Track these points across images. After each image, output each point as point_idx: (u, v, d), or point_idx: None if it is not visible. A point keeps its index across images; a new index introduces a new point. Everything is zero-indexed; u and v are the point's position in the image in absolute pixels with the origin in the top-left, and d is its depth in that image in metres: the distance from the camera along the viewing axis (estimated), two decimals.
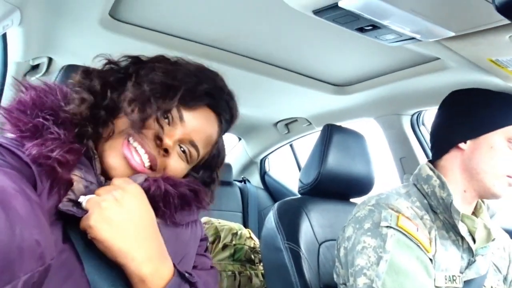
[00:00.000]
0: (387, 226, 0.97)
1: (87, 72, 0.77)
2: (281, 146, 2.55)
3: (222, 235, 1.79)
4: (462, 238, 1.02)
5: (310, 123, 2.16)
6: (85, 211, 0.62)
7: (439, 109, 1.17)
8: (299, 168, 2.62)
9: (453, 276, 0.99)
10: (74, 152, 0.65)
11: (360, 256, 0.97)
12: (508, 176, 1.02)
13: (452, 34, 0.95)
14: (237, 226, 1.90)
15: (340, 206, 1.44)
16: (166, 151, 0.73)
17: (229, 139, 2.85)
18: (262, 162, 2.79)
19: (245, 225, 2.52)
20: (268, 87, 1.73)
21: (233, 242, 1.80)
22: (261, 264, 1.81)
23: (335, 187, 1.43)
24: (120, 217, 0.62)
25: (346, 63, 1.48)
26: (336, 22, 0.94)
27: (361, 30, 0.96)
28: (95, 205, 0.62)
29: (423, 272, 0.94)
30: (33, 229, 0.51)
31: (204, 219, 1.89)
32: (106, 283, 0.62)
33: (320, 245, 1.32)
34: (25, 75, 1.50)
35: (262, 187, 2.83)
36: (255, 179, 2.84)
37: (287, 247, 1.28)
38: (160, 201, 0.71)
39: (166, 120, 0.74)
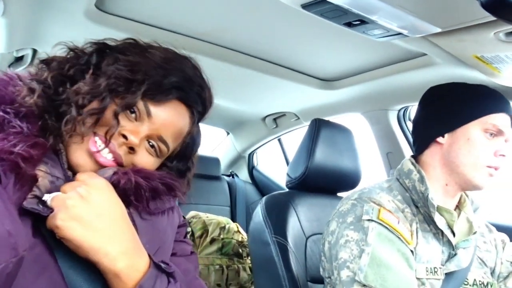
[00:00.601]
0: (368, 220, 0.99)
1: (46, 61, 0.73)
2: (269, 141, 2.56)
3: (210, 229, 1.79)
4: (442, 232, 1.04)
5: (298, 118, 2.17)
6: (51, 210, 0.60)
7: (418, 105, 1.19)
8: (287, 163, 2.63)
9: (434, 268, 1.01)
10: (38, 147, 0.62)
11: (343, 250, 0.99)
12: (488, 167, 1.03)
13: (439, 30, 0.96)
14: (225, 220, 1.90)
15: (328, 200, 1.45)
16: (132, 149, 0.70)
17: (217, 134, 2.84)
18: (250, 156, 2.79)
19: (233, 219, 2.52)
20: (257, 82, 1.73)
21: (221, 236, 1.80)
22: (249, 258, 1.82)
23: (323, 182, 1.44)
24: (88, 214, 0.60)
25: (334, 58, 1.49)
26: (324, 17, 0.94)
27: (349, 25, 0.97)
28: (60, 204, 0.59)
29: (404, 264, 0.96)
30: (4, 219, 0.51)
31: (192, 213, 1.89)
32: (81, 277, 0.61)
33: (307, 238, 1.33)
34: (9, 66, 1.48)
35: (250, 181, 2.83)
36: (243, 174, 2.85)
37: (275, 241, 1.28)
38: (132, 194, 0.68)
39: (133, 115, 0.70)
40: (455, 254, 1.04)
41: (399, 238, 0.97)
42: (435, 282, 1.00)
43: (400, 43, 1.10)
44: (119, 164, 0.70)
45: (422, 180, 1.05)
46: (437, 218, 1.03)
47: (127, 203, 0.69)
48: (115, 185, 0.66)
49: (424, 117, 1.15)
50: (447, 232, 1.03)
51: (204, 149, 2.89)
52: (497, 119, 1.04)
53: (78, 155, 0.68)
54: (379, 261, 0.94)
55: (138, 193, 0.69)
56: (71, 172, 0.68)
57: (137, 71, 0.70)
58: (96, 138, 0.68)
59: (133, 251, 0.63)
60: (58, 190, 0.63)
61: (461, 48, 1.07)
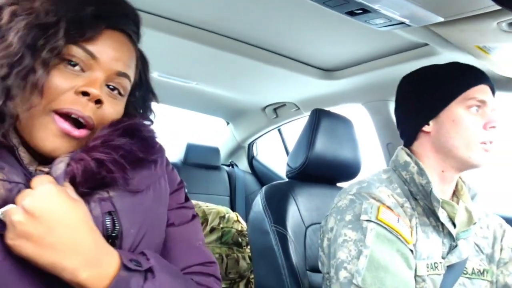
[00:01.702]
0: (367, 220, 0.96)
1: None
2: (269, 131, 2.55)
3: (210, 218, 1.80)
4: (443, 223, 1.02)
5: (299, 108, 2.16)
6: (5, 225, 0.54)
7: (396, 98, 1.16)
8: (287, 153, 2.63)
9: (435, 263, 0.99)
10: None
11: (341, 249, 0.97)
12: (482, 143, 0.99)
13: (441, 19, 0.95)
14: (225, 209, 1.91)
15: (327, 190, 1.46)
16: (98, 101, 0.63)
17: (217, 123, 2.84)
18: (250, 146, 2.79)
19: (233, 208, 2.53)
20: (257, 71, 1.72)
21: (221, 225, 1.81)
22: (248, 247, 1.83)
23: (323, 172, 1.44)
24: (36, 230, 0.54)
25: (335, 47, 1.48)
26: (326, 5, 0.93)
27: (351, 13, 0.96)
28: (8, 220, 0.54)
29: (403, 264, 0.93)
30: None
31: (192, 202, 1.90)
32: (61, 281, 0.57)
33: (307, 228, 1.34)
34: None
35: (249, 171, 2.83)
36: (242, 164, 2.85)
37: (274, 230, 1.29)
38: (100, 172, 0.62)
39: (77, 67, 0.63)
40: (456, 246, 1.02)
41: (398, 238, 0.95)
42: (436, 278, 0.98)
43: (402, 32, 1.10)
44: (92, 127, 0.64)
45: (421, 172, 1.02)
46: (440, 211, 1.00)
47: (103, 185, 0.63)
48: (74, 176, 0.60)
49: (404, 108, 1.12)
50: (449, 224, 1.01)
51: (203, 139, 2.90)
52: (477, 92, 1.01)
53: (50, 141, 0.61)
54: (377, 264, 0.91)
55: (107, 169, 0.62)
56: (33, 168, 0.62)
57: (47, 14, 0.60)
58: (56, 117, 0.61)
59: (95, 259, 0.57)
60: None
61: (463, 38, 1.06)
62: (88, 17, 0.63)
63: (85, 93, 0.62)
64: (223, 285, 1.76)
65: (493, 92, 1.05)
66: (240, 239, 1.84)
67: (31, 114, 0.60)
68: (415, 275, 0.96)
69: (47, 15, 0.60)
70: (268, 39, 1.46)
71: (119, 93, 0.69)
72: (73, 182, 0.61)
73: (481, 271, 1.06)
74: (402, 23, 0.99)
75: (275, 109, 2.32)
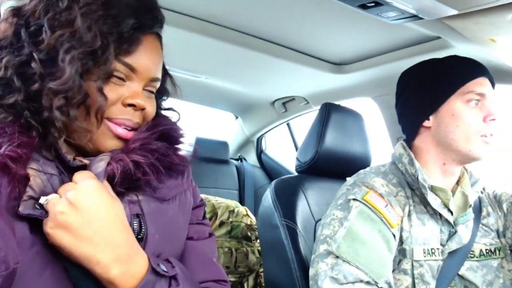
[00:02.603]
0: (353, 199, 1.01)
1: None
2: (278, 125, 2.55)
3: (219, 212, 1.81)
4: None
5: (308, 102, 2.15)
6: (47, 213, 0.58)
7: (396, 93, 1.18)
8: (296, 148, 2.63)
9: (431, 249, 1.02)
10: (25, 145, 0.59)
11: (327, 227, 1.02)
12: (482, 136, 1.01)
13: (455, 12, 0.94)
14: (234, 203, 1.91)
15: (337, 184, 1.44)
16: (143, 109, 0.68)
17: (226, 117, 2.84)
18: (259, 140, 2.78)
19: (242, 203, 2.54)
20: (266, 65, 1.72)
21: (230, 219, 1.82)
22: (258, 241, 1.83)
23: (332, 166, 1.44)
24: (76, 221, 0.57)
25: (345, 41, 1.47)
26: None
27: (363, 7, 0.95)
28: (51, 209, 0.57)
29: (383, 245, 0.97)
30: None
31: (201, 196, 1.90)
32: (84, 273, 0.59)
33: (316, 222, 1.33)
34: None
35: (258, 165, 2.83)
36: (251, 158, 2.85)
37: (284, 224, 1.29)
38: (136, 174, 0.65)
39: (119, 79, 0.66)
40: (455, 232, 1.04)
41: (381, 219, 0.98)
42: (433, 263, 1.01)
43: (414, 25, 1.08)
44: (138, 128, 0.69)
45: (411, 162, 1.06)
46: (431, 198, 1.02)
47: (134, 188, 0.67)
48: (112, 175, 0.63)
49: (404, 104, 1.14)
50: (443, 211, 1.03)
51: (212, 133, 2.90)
52: (475, 85, 1.02)
53: (109, 143, 0.66)
54: (355, 236, 0.95)
55: (143, 171, 0.66)
56: (71, 157, 0.64)
57: (91, 36, 0.61)
58: (110, 124, 0.65)
59: (127, 257, 0.60)
60: (53, 188, 0.60)
61: (477, 31, 1.05)
62: (129, 31, 0.65)
63: (131, 105, 0.67)
64: (232, 279, 1.77)
65: (493, 84, 1.05)
66: (249, 233, 1.84)
67: (88, 124, 0.64)
68: (413, 260, 1.00)
69: (94, 37, 0.61)
70: (278, 33, 1.46)
71: (153, 92, 0.73)
72: (110, 181, 0.64)
73: (492, 250, 1.07)
74: (414, 16, 0.98)
75: (284, 103, 2.31)
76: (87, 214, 0.58)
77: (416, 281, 0.99)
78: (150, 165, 0.66)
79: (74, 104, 0.61)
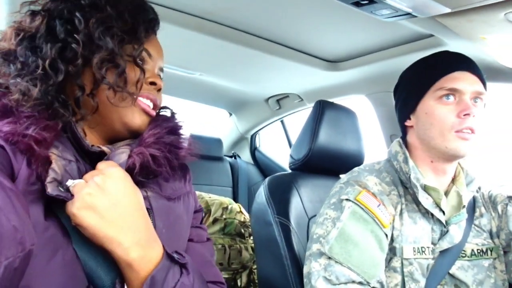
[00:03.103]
0: (346, 199, 1.02)
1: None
2: (272, 122, 2.55)
3: (213, 209, 1.81)
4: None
5: (302, 99, 2.16)
6: (72, 195, 0.61)
7: (394, 94, 1.21)
8: (290, 145, 2.63)
9: (422, 248, 1.02)
10: (50, 129, 0.63)
11: (320, 226, 1.03)
12: (457, 131, 0.99)
13: (448, 10, 0.94)
14: (228, 200, 1.91)
15: (330, 181, 1.45)
16: (159, 90, 0.77)
17: (220, 114, 2.83)
18: (253, 137, 2.79)
19: (235, 200, 2.54)
20: (261, 62, 1.71)
21: (224, 216, 1.82)
22: (251, 237, 1.84)
23: (326, 163, 1.44)
24: (103, 203, 0.61)
25: (339, 39, 1.47)
26: None
27: (357, 4, 0.95)
28: (78, 192, 0.61)
29: (375, 245, 0.97)
30: (10, 215, 0.51)
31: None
32: (95, 259, 0.62)
33: (309, 219, 1.34)
34: None
35: (252, 162, 2.84)
36: (245, 155, 2.85)
37: (277, 221, 1.29)
38: (151, 166, 0.71)
39: (141, 62, 0.74)
40: (447, 231, 1.04)
41: (374, 220, 0.99)
42: (423, 262, 1.02)
43: (408, 23, 1.09)
44: (157, 108, 0.78)
45: (406, 160, 1.07)
46: (423, 198, 1.02)
47: (146, 182, 0.72)
48: (132, 168, 0.68)
49: (395, 103, 1.18)
50: (435, 211, 1.03)
51: (206, 130, 2.89)
52: (448, 81, 1.01)
53: (137, 118, 0.73)
54: (348, 237, 0.96)
55: (158, 163, 0.72)
56: (89, 143, 0.69)
57: (122, 21, 0.71)
58: (138, 100, 0.73)
59: (146, 241, 0.64)
60: (71, 173, 0.64)
61: (469, 29, 1.05)
62: (149, 20, 0.77)
63: (153, 83, 0.76)
64: (226, 276, 1.77)
65: (481, 77, 1.04)
66: (242, 230, 1.85)
67: (121, 101, 0.71)
68: (403, 258, 1.00)
69: (125, 20, 0.71)
70: (272, 30, 1.45)
71: (161, 79, 0.80)
72: (129, 172, 0.69)
73: (484, 250, 1.07)
74: (408, 14, 0.98)
75: (278, 101, 2.31)
76: (113, 197, 0.62)
77: (406, 279, 0.99)
78: (164, 158, 0.72)
79: (117, 73, 0.69)
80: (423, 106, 1.05)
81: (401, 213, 1.04)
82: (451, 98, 1.01)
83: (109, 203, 0.61)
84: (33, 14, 0.70)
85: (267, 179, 1.42)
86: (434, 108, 1.02)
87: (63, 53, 0.67)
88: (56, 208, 0.62)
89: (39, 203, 0.60)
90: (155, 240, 0.66)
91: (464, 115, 0.99)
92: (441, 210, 1.04)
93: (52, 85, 0.66)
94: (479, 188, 1.16)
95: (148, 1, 0.79)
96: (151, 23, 0.77)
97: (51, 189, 0.59)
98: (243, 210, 1.93)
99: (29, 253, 0.53)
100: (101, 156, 0.69)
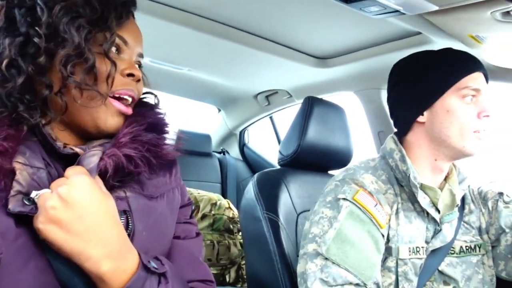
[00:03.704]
0: (343, 198, 1.00)
1: None
2: (261, 118, 2.55)
3: (201, 205, 1.80)
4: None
5: (291, 96, 2.16)
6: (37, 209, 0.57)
7: (388, 84, 1.15)
8: (279, 141, 2.63)
9: (416, 247, 1.01)
10: (12, 138, 0.58)
11: (315, 225, 1.00)
12: (475, 132, 1.00)
13: (436, 8, 0.95)
14: (216, 196, 1.91)
15: (319, 177, 1.46)
16: (138, 80, 0.71)
17: (209, 110, 2.82)
18: (242, 134, 2.78)
19: (224, 195, 2.53)
20: (249, 58, 1.71)
21: (212, 212, 1.82)
22: (240, 233, 1.84)
23: (315, 159, 1.45)
24: (67, 217, 0.56)
25: (328, 35, 1.47)
26: None
27: (346, 1, 0.96)
28: (42, 204, 0.56)
29: (372, 246, 0.96)
30: None
31: None
32: (68, 266, 0.59)
33: (298, 215, 1.34)
34: None
35: (241, 158, 2.83)
36: (234, 151, 2.85)
37: (266, 217, 1.30)
38: (128, 167, 0.65)
39: (115, 54, 0.68)
40: (440, 230, 1.04)
41: (371, 220, 0.97)
42: (417, 261, 1.01)
43: (396, 20, 1.09)
44: (134, 102, 0.71)
45: (403, 159, 1.04)
46: (421, 197, 1.02)
47: (124, 182, 0.67)
48: (105, 170, 0.63)
49: (398, 97, 1.11)
50: (431, 210, 1.03)
51: (195, 126, 2.88)
52: (471, 80, 1.00)
53: (110, 121, 0.67)
54: (345, 238, 0.95)
55: (135, 164, 0.66)
56: (61, 144, 0.64)
57: (89, 9, 0.64)
58: (112, 100, 0.67)
59: (118, 253, 0.60)
60: (40, 182, 0.59)
61: (457, 27, 1.06)
62: (122, 4, 0.68)
63: (130, 75, 0.69)
64: (214, 271, 1.77)
65: (487, 80, 1.04)
66: (231, 226, 1.85)
67: (90, 101, 0.65)
68: (398, 258, 0.99)
69: (93, 8, 0.64)
70: (261, 26, 1.45)
71: (140, 66, 0.75)
72: (102, 175, 0.64)
73: (472, 247, 1.08)
74: (396, 11, 0.99)
75: (267, 97, 2.31)
76: (78, 209, 0.57)
77: (399, 278, 0.99)
78: (141, 158, 0.67)
79: (85, 69, 0.62)
80: (444, 103, 1.01)
81: (397, 212, 1.03)
82: (471, 98, 1.00)
83: (73, 216, 0.57)
84: None
85: (256, 175, 1.42)
86: (458, 107, 0.99)
87: (24, 48, 0.61)
88: (27, 216, 0.58)
89: (8, 211, 0.56)
90: (128, 250, 0.61)
91: (484, 116, 0.99)
92: (437, 209, 1.04)
93: (13, 88, 0.60)
94: (468, 186, 1.16)
95: None
96: (125, 6, 0.69)
97: (12, 206, 0.55)
98: (231, 206, 1.93)
99: None
100: (75, 158, 0.64)
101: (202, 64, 1.89)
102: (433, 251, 1.03)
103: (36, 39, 0.61)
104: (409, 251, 1.01)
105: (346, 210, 0.98)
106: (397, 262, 1.00)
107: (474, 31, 1.06)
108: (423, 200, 1.02)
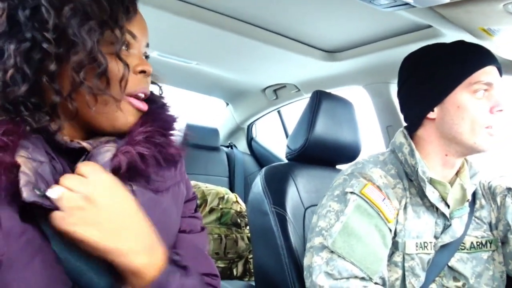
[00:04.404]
0: (351, 192, 1.00)
1: None
2: (269, 112, 2.54)
3: (209, 199, 1.81)
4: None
5: (299, 90, 2.15)
6: (48, 199, 0.56)
7: (398, 78, 1.13)
8: (286, 135, 2.63)
9: (424, 243, 1.01)
10: (12, 133, 0.57)
11: (322, 219, 1.01)
12: (487, 127, 0.97)
13: (446, 0, 0.94)
14: (224, 190, 1.92)
15: (327, 172, 1.46)
16: (149, 75, 0.70)
17: (217, 104, 2.83)
18: (249, 128, 2.78)
19: (232, 190, 2.54)
20: (257, 52, 1.70)
21: (220, 206, 1.83)
22: (247, 227, 1.85)
23: (322, 154, 1.44)
24: (98, 216, 0.57)
25: (337, 28, 1.46)
26: None
27: None
28: (67, 205, 0.56)
29: (379, 240, 0.96)
30: None
31: (191, 183, 1.91)
32: (77, 257, 0.59)
33: (306, 209, 1.34)
34: None
35: (248, 152, 2.84)
36: (242, 145, 2.85)
37: (274, 211, 1.30)
38: (138, 166, 0.65)
39: (126, 51, 0.66)
40: (450, 225, 1.03)
41: (378, 214, 0.97)
42: (424, 256, 1.01)
43: (406, 13, 1.08)
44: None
45: (412, 153, 1.03)
46: (430, 191, 1.01)
47: (131, 176, 0.66)
48: (117, 168, 0.63)
49: (407, 93, 1.10)
50: (440, 205, 1.02)
51: (203, 120, 2.88)
52: (483, 74, 0.98)
53: (129, 119, 0.67)
54: (351, 231, 0.94)
55: (145, 163, 0.66)
56: (67, 138, 0.63)
57: (97, 8, 0.61)
58: (131, 99, 0.66)
59: (149, 247, 0.61)
60: (44, 175, 0.58)
61: (468, 20, 1.05)
62: (126, 0, 0.65)
63: (142, 71, 0.68)
64: (222, 265, 1.78)
65: (500, 73, 1.02)
66: (239, 220, 1.85)
67: (104, 106, 0.64)
68: (405, 253, 0.99)
69: (101, 8, 0.61)
70: (270, 19, 1.44)
71: (147, 57, 0.74)
72: (115, 172, 0.63)
73: (483, 243, 1.06)
74: (406, 4, 0.98)
75: (275, 91, 2.30)
76: (107, 208, 0.58)
77: (406, 273, 0.99)
78: (152, 157, 0.67)
79: (98, 74, 0.61)
80: (455, 98, 0.99)
81: (405, 207, 1.02)
82: (483, 92, 0.98)
83: (104, 215, 0.57)
84: None
85: (263, 169, 1.42)
86: (469, 102, 0.97)
87: (30, 53, 0.58)
88: (32, 210, 0.57)
89: (13, 206, 0.56)
90: (156, 243, 0.63)
91: (497, 111, 0.97)
92: (446, 204, 1.03)
93: (17, 94, 0.58)
94: (479, 180, 1.14)
95: None
96: (130, 1, 0.66)
97: (26, 194, 0.54)
98: (239, 200, 1.94)
99: None
100: (81, 152, 0.64)
101: (210, 58, 1.89)
102: (443, 246, 1.02)
103: (45, 45, 0.58)
104: (416, 246, 1.00)
105: (353, 203, 0.98)
106: (403, 257, 0.99)
107: (485, 23, 1.04)
108: (432, 194, 1.01)
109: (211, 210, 1.80)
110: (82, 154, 0.64)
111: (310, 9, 1.31)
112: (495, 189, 1.11)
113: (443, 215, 1.04)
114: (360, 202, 0.98)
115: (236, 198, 1.92)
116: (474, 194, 1.11)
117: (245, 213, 1.84)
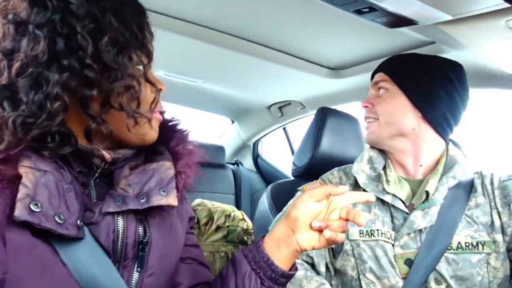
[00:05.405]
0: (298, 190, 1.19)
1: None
2: (274, 129, 2.55)
3: (216, 216, 1.80)
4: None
5: (304, 107, 2.16)
6: (43, 216, 0.55)
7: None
8: (292, 152, 2.63)
9: (371, 230, 1.07)
10: (14, 145, 0.56)
11: None
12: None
13: (450, 17, 0.95)
14: (230, 208, 1.91)
15: None
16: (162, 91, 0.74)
17: (222, 122, 2.84)
18: (255, 145, 2.79)
19: (238, 207, 2.53)
20: (262, 70, 1.72)
21: (226, 224, 1.81)
22: None
23: (328, 170, 1.44)
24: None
25: (341, 46, 1.47)
26: (333, 4, 0.93)
27: (358, 12, 0.96)
28: None
29: None
30: None
31: (197, 201, 1.90)
32: (90, 270, 0.59)
33: None
34: None
35: (255, 170, 2.83)
36: (248, 162, 2.85)
37: None
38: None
39: (140, 67, 0.67)
40: (408, 216, 1.05)
41: None
42: (373, 244, 1.05)
43: (409, 31, 1.09)
44: None
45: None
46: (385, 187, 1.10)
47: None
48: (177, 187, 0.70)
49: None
50: (386, 197, 1.08)
51: (209, 137, 2.90)
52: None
53: (155, 131, 0.72)
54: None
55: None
56: (88, 144, 0.64)
57: (129, 30, 0.63)
58: (155, 114, 0.71)
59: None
60: (47, 185, 0.57)
61: (471, 36, 1.06)
62: (147, 24, 0.68)
63: (160, 90, 0.71)
64: None
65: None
66: (245, 238, 1.84)
67: (138, 122, 0.66)
68: (349, 239, 1.08)
69: (133, 34, 0.63)
70: (274, 38, 1.46)
71: None
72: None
73: (473, 244, 1.00)
74: (410, 21, 0.99)
75: (280, 108, 2.31)
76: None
77: (357, 261, 1.06)
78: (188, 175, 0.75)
79: (135, 97, 0.64)
80: None
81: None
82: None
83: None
84: (19, 27, 0.58)
85: (269, 187, 1.42)
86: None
87: (67, 80, 0.58)
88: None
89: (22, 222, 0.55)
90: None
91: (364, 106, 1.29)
92: (396, 197, 1.07)
93: (50, 125, 0.58)
94: (483, 177, 1.09)
95: (149, 10, 0.71)
96: (148, 23, 0.69)
97: (18, 212, 0.53)
98: (245, 217, 1.92)
99: (2, 281, 0.51)
100: (89, 156, 0.64)
101: (216, 77, 1.91)
102: (427, 243, 1.01)
103: (91, 74, 0.59)
104: (361, 234, 1.07)
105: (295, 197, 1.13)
106: (351, 245, 1.08)
107: (488, 39, 1.05)
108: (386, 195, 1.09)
109: (218, 228, 1.79)
110: (91, 158, 0.65)
111: (314, 27, 1.32)
112: (509, 193, 1.02)
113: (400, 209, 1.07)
114: (298, 194, 1.19)
115: (243, 215, 1.91)
116: (470, 191, 1.07)
117: (252, 231, 1.83)
